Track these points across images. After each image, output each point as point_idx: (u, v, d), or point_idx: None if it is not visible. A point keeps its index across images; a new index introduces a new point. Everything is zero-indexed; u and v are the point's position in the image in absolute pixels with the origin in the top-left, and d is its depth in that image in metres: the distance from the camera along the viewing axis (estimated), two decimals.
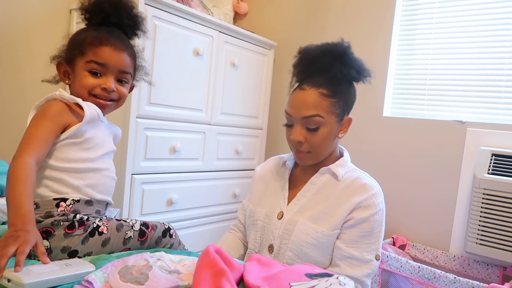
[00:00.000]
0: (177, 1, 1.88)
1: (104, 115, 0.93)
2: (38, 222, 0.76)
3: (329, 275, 0.68)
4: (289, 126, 1.11)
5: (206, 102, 2.00)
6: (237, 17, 2.66)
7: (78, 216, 0.80)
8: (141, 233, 0.87)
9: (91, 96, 0.89)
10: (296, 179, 1.19)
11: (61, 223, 0.78)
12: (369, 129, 2.14)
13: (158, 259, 0.71)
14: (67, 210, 0.79)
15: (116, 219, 0.87)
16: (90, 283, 0.60)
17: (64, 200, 0.80)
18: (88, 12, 0.92)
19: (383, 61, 2.10)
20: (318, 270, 0.72)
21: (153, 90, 1.74)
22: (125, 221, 0.87)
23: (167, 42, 1.77)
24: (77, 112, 0.85)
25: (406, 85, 2.11)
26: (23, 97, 1.85)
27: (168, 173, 1.85)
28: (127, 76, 0.94)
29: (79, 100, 0.85)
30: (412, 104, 2.09)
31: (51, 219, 0.77)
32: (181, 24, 1.82)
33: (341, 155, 1.19)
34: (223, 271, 0.61)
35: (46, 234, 0.76)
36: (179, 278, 0.67)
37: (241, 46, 2.17)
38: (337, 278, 0.66)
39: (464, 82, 1.93)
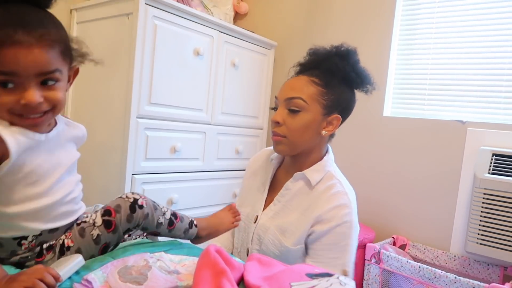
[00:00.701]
0: (177, 1, 1.88)
1: (44, 130, 0.71)
2: (5, 259, 0.71)
3: (330, 275, 0.68)
4: (275, 109, 1.10)
5: (206, 102, 2.00)
6: (238, 17, 2.66)
7: (45, 245, 0.73)
8: (107, 224, 0.75)
9: (15, 116, 0.64)
10: (278, 180, 1.16)
11: (29, 257, 0.72)
12: (369, 129, 2.14)
13: (158, 259, 0.71)
14: (31, 246, 0.71)
15: (77, 223, 0.77)
16: (89, 282, 0.60)
17: (25, 237, 0.71)
18: None
19: (383, 60, 2.10)
20: (319, 270, 0.72)
21: (153, 90, 1.74)
22: (85, 221, 0.76)
23: (167, 42, 1.77)
24: (3, 142, 0.63)
25: (406, 85, 2.11)
26: None
27: (168, 173, 1.85)
28: (54, 74, 0.66)
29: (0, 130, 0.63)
30: (412, 104, 2.08)
31: (17, 257, 0.71)
32: (181, 24, 1.82)
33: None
34: (223, 271, 0.61)
35: (20, 266, 0.71)
36: (179, 278, 0.67)
37: (242, 46, 2.17)
38: (338, 278, 0.66)
39: (465, 82, 1.93)
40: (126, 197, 0.77)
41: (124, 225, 0.76)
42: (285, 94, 1.06)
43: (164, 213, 0.83)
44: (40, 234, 0.72)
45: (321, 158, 1.11)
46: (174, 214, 0.85)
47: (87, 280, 0.61)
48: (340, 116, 1.07)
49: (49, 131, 0.72)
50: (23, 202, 0.68)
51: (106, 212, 0.76)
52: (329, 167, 1.10)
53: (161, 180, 1.82)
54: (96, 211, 0.77)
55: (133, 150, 1.69)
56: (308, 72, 1.08)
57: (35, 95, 0.63)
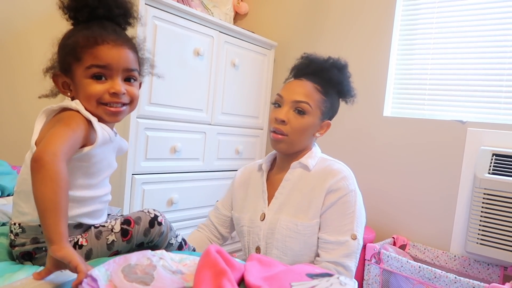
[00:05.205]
0: (177, 1, 1.88)
1: (119, 121, 0.84)
2: (22, 245, 0.73)
3: (330, 275, 0.68)
4: (277, 106, 1.15)
5: (206, 102, 2.00)
6: (238, 17, 2.66)
7: None
8: (124, 233, 0.79)
9: (101, 105, 0.78)
10: (273, 179, 1.22)
11: (43, 248, 0.73)
12: (369, 129, 2.14)
13: (160, 258, 0.70)
14: None
15: (95, 226, 0.80)
16: (94, 280, 0.59)
17: None
18: (71, 10, 0.79)
19: (384, 61, 2.10)
20: (319, 270, 0.72)
21: (154, 90, 1.74)
22: (104, 226, 0.80)
23: (168, 42, 1.77)
24: (91, 132, 0.76)
25: (406, 85, 2.11)
26: (21, 99, 1.85)
27: (168, 173, 1.85)
28: (134, 73, 0.83)
29: (94, 120, 0.76)
30: (412, 104, 2.09)
31: (36, 245, 0.73)
32: (182, 24, 1.82)
33: None
34: (224, 271, 0.61)
35: (28, 256, 0.73)
36: (183, 278, 0.66)
37: (242, 46, 2.17)
38: (338, 278, 0.66)
39: (465, 82, 1.93)
40: (148, 211, 0.82)
41: (140, 238, 0.80)
42: (293, 96, 1.12)
43: (176, 236, 0.87)
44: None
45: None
46: (184, 240, 0.90)
47: (91, 276, 0.59)
48: (330, 122, 1.19)
49: (115, 134, 0.84)
50: (77, 188, 0.75)
51: (126, 221, 0.79)
52: (320, 154, 1.20)
53: (161, 180, 1.82)
54: (116, 219, 0.81)
55: (133, 150, 1.69)
56: (309, 77, 1.15)
57: (121, 85, 0.79)
